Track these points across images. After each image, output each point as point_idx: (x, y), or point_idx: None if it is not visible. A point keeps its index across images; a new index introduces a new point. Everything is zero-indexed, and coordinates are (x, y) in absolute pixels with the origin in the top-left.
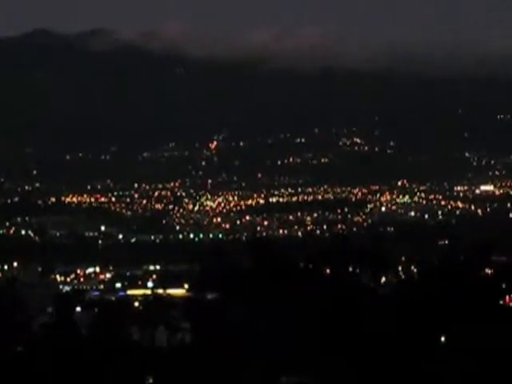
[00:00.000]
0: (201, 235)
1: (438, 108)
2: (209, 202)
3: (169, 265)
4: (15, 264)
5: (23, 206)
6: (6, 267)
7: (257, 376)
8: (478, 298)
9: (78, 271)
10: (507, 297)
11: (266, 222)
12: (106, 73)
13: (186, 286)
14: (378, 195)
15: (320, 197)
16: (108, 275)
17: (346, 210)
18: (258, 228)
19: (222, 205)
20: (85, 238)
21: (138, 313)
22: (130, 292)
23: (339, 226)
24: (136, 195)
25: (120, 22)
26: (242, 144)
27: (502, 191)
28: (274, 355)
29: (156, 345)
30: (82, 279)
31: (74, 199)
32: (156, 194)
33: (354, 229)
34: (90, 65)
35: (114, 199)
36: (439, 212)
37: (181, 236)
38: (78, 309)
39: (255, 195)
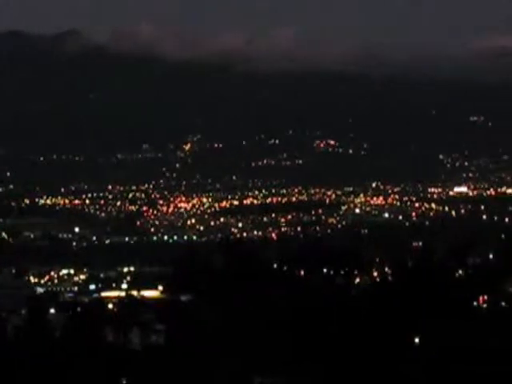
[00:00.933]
0: (175, 237)
1: (412, 110)
2: (183, 204)
3: (143, 266)
4: None
5: None
6: None
7: (230, 376)
8: (451, 298)
9: (52, 273)
10: (480, 298)
11: (240, 224)
12: (78, 74)
13: (160, 287)
14: (352, 197)
15: (294, 198)
16: (82, 277)
17: (320, 211)
18: (232, 229)
19: (196, 206)
20: (59, 239)
21: (112, 314)
22: (104, 294)
23: (313, 227)
24: (110, 197)
25: (92, 23)
26: (216, 146)
27: (475, 193)
28: (247, 356)
29: (130, 346)
30: (56, 281)
31: (48, 201)
32: (130, 195)
33: (328, 230)
34: (63, 66)
35: (87, 201)
36: (413, 214)
37: (155, 238)
38: (52, 310)
39: (229, 197)
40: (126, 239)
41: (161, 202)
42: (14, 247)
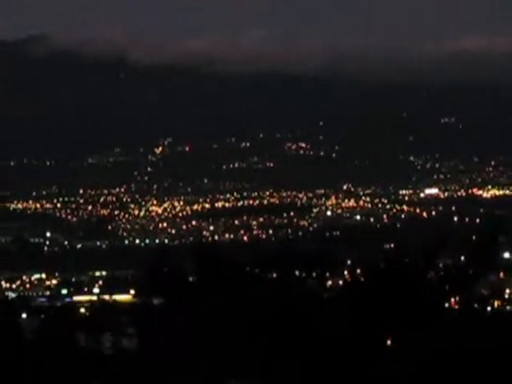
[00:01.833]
0: (147, 240)
1: (383, 112)
2: (154, 207)
3: (115, 270)
4: None
5: None
6: None
7: (203, 380)
8: (423, 300)
9: (24, 277)
10: (452, 299)
11: (211, 227)
12: (47, 79)
13: (132, 291)
14: (324, 199)
15: (265, 201)
16: (54, 281)
17: (291, 214)
18: (204, 233)
19: (168, 210)
20: (30, 244)
21: (84, 319)
22: (76, 298)
23: (285, 230)
24: (81, 201)
25: (59, 27)
26: (187, 149)
27: (446, 194)
28: (220, 359)
29: (102, 351)
30: (27, 286)
31: (20, 205)
32: (101, 199)
33: (300, 233)
34: (30, 71)
35: (59, 205)
36: (384, 215)
37: (127, 241)
38: (24, 315)
39: (201, 200)
40: (98, 243)
41: (132, 205)
42: None
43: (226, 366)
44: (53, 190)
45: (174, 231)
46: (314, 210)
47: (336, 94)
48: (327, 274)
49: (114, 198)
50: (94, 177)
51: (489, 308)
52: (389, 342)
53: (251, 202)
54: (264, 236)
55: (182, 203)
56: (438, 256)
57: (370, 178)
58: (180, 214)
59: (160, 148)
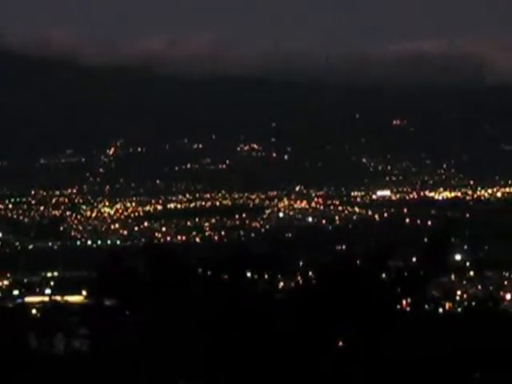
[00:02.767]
0: (99, 241)
1: (335, 113)
2: (106, 209)
3: (67, 271)
4: None
5: None
6: None
7: (154, 381)
8: (375, 302)
9: None
10: (404, 301)
11: (163, 228)
12: None
13: (84, 292)
14: (276, 201)
15: (218, 203)
16: (5, 282)
17: (243, 215)
18: (156, 234)
19: (120, 211)
20: None
21: (35, 320)
22: (27, 299)
23: (237, 231)
24: (33, 202)
25: (7, 28)
26: (139, 150)
27: (398, 196)
28: (171, 361)
29: (54, 352)
30: None
31: None
32: (53, 200)
33: (252, 234)
34: None
35: (10, 206)
36: (336, 217)
37: (78, 242)
38: None
39: (153, 201)
40: (50, 244)
41: (84, 206)
42: None
43: (177, 367)
44: (4, 191)
45: (125, 232)
46: (267, 212)
47: (288, 95)
48: (279, 276)
49: (66, 199)
50: (46, 178)
51: (440, 309)
52: (340, 344)
53: (203, 203)
54: (216, 237)
55: (134, 204)
56: (390, 258)
57: (322, 180)
58: (132, 215)
59: (112, 149)
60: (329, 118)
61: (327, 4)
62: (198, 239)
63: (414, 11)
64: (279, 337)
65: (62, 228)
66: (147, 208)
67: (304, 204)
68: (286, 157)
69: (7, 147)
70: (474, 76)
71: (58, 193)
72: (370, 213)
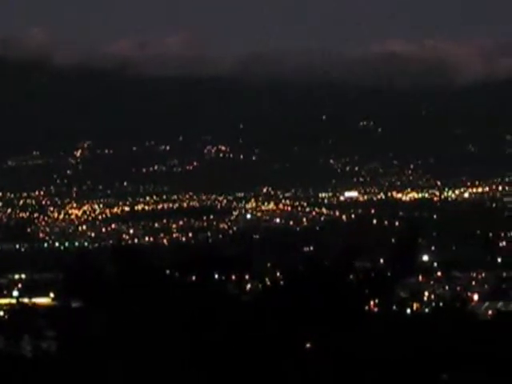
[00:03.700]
0: (66, 243)
1: (303, 114)
2: (74, 210)
3: (34, 273)
4: None
5: None
6: None
7: (122, 382)
8: (342, 303)
9: None
10: (371, 302)
11: (131, 230)
12: None
13: (52, 294)
14: (244, 202)
15: (185, 204)
16: None
17: (211, 217)
18: (124, 236)
19: (88, 213)
20: None
21: (2, 322)
22: None
23: (205, 233)
24: (0, 204)
25: None
26: (106, 152)
27: (366, 197)
28: (137, 362)
29: (21, 354)
30: None
31: None
32: (20, 202)
33: (220, 236)
34: None
35: None
36: (304, 218)
37: (46, 244)
38: None
39: (120, 203)
40: (17, 246)
41: (52, 208)
42: None
43: (145, 368)
44: None
45: (93, 234)
46: (234, 213)
47: (257, 96)
48: (246, 278)
49: (34, 201)
50: (13, 179)
51: (408, 310)
52: (308, 345)
53: (171, 204)
54: (184, 239)
55: (101, 206)
56: (358, 259)
57: (290, 181)
58: (100, 217)
59: (80, 151)
60: (296, 119)
61: (300, 4)
62: (165, 241)
63: (384, 12)
64: (247, 338)
65: (29, 230)
66: (115, 210)
67: (271, 205)
68: (253, 158)
69: None
70: (442, 77)
71: (25, 195)
72: (337, 214)
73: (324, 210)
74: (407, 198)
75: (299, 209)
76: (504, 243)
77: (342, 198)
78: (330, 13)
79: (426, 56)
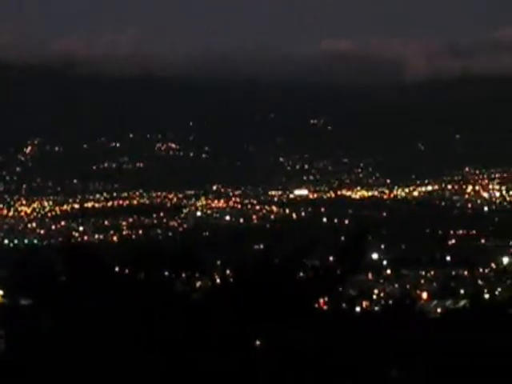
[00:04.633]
0: (15, 241)
1: (252, 112)
2: (23, 207)
3: None
4: None
5: None
6: None
7: (70, 381)
8: (292, 301)
9: None
10: (321, 300)
11: (81, 227)
12: None
13: (1, 291)
14: (194, 200)
15: (135, 201)
16: None
17: (161, 214)
18: (74, 233)
19: (37, 210)
20: None
21: None
22: None
23: (155, 230)
24: None
25: None
26: (56, 149)
27: (315, 195)
28: (87, 361)
29: None
30: None
31: None
32: None
33: (170, 233)
34: None
35: None
36: (254, 216)
37: None
38: None
39: (70, 200)
40: None
41: (1, 205)
42: None
43: (94, 366)
44: None
45: (43, 231)
46: (184, 211)
47: (206, 94)
48: (196, 275)
49: None
50: None
51: (357, 308)
52: (258, 343)
53: (121, 202)
54: (134, 236)
55: (51, 203)
56: (307, 257)
57: (240, 179)
58: (49, 214)
59: (29, 147)
60: (246, 117)
61: (249, 2)
62: (115, 238)
63: (332, 10)
64: (196, 336)
65: None
66: (64, 207)
67: (222, 203)
68: (203, 156)
69: None
70: (391, 76)
71: None
72: (287, 212)
73: (274, 208)
74: (357, 196)
75: (249, 206)
76: (453, 241)
77: (291, 196)
78: (278, 11)
79: (374, 54)
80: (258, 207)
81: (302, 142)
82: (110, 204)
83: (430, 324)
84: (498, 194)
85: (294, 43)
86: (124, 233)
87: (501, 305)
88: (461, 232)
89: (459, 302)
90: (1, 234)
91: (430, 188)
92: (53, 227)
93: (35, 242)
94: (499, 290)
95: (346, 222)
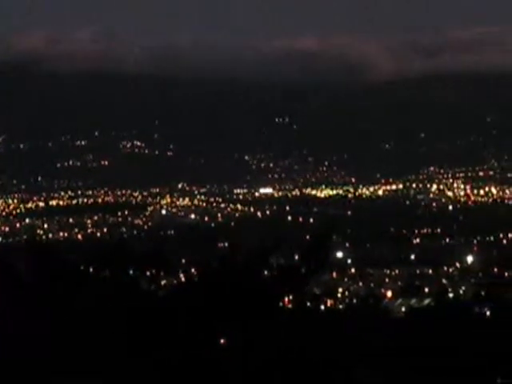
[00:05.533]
0: None
1: (216, 111)
2: None
3: None
4: None
5: None
6: None
7: (32, 379)
8: (257, 299)
9: None
10: (286, 299)
11: (45, 225)
12: None
13: None
14: (159, 198)
15: (100, 200)
16: None
17: (126, 212)
18: (38, 231)
19: (1, 208)
20: None
21: None
22: None
23: (120, 228)
24: None
25: None
26: (21, 146)
27: (280, 194)
28: (50, 358)
29: None
30: None
31: None
32: None
33: (135, 231)
34: None
35: None
36: (219, 214)
37: None
38: None
39: (35, 198)
40: None
41: None
42: None
43: (58, 363)
44: None
45: (7, 229)
46: (149, 209)
47: (171, 92)
48: (161, 273)
49: None
50: None
51: (322, 307)
52: (222, 342)
53: (86, 200)
54: (99, 234)
55: (15, 201)
56: (272, 255)
57: (205, 177)
58: (14, 212)
59: None
60: (209, 116)
61: (208, 1)
62: (80, 236)
63: (288, 8)
64: (162, 334)
65: None
66: (29, 205)
67: (187, 201)
68: (168, 154)
69: None
70: (356, 75)
71: None
72: (252, 210)
73: (239, 206)
74: (322, 195)
75: (214, 205)
76: (417, 240)
77: (257, 194)
78: (238, 10)
79: (336, 53)
80: (222, 205)
81: (268, 140)
82: (74, 202)
83: (394, 322)
84: (462, 193)
85: (259, 42)
86: (89, 231)
87: (465, 303)
88: (425, 231)
89: (424, 300)
90: None
91: (394, 187)
92: (17, 225)
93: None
94: (463, 288)
95: (311, 220)
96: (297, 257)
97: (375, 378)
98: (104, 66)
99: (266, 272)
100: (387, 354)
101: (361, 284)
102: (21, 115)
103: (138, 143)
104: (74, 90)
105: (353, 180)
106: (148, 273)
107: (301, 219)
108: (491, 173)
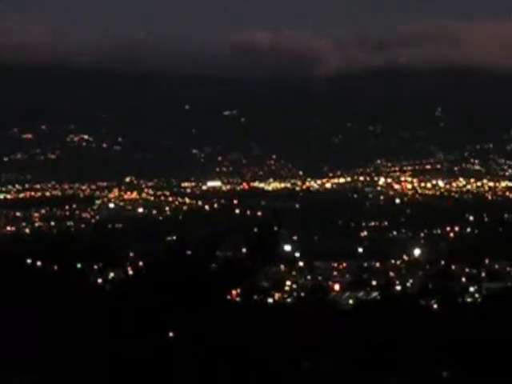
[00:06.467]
0: None
1: (167, 104)
2: None
3: None
4: None
5: None
6: None
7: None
8: (204, 292)
9: None
10: (233, 292)
11: None
12: None
13: None
14: (106, 191)
15: (48, 193)
16: None
17: (73, 206)
18: None
19: None
20: None
21: None
22: None
23: (67, 222)
24: None
25: None
26: None
27: (228, 187)
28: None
29: None
30: None
31: None
32: None
33: (82, 225)
34: None
35: None
36: (167, 208)
37: None
38: None
39: None
40: None
41: None
42: None
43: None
44: None
45: None
46: (97, 202)
47: (123, 86)
48: (109, 267)
49: None
50: None
51: (270, 300)
52: (171, 335)
53: (33, 193)
54: (46, 228)
55: None
56: (219, 248)
57: (153, 171)
58: None
59: None
60: (160, 109)
61: None
62: (27, 230)
63: (238, 2)
64: (110, 326)
65: None
66: None
67: (134, 195)
68: (116, 147)
69: None
70: (304, 68)
71: None
72: (200, 203)
73: (187, 200)
74: (270, 188)
75: (162, 198)
76: (365, 233)
77: (204, 188)
78: (190, 3)
79: (285, 46)
80: (170, 199)
81: (215, 133)
82: (21, 195)
83: (341, 315)
84: (409, 186)
85: (206, 35)
86: (36, 225)
87: (412, 296)
88: (373, 224)
89: (371, 293)
90: None
91: (342, 180)
92: None
93: None
94: (411, 281)
95: (259, 213)
96: (244, 250)
97: (322, 371)
98: (53, 58)
99: (213, 265)
100: (335, 346)
101: (309, 277)
102: None
103: (86, 136)
104: (21, 83)
105: (300, 173)
106: (95, 266)
107: (249, 212)
108: (438, 166)
